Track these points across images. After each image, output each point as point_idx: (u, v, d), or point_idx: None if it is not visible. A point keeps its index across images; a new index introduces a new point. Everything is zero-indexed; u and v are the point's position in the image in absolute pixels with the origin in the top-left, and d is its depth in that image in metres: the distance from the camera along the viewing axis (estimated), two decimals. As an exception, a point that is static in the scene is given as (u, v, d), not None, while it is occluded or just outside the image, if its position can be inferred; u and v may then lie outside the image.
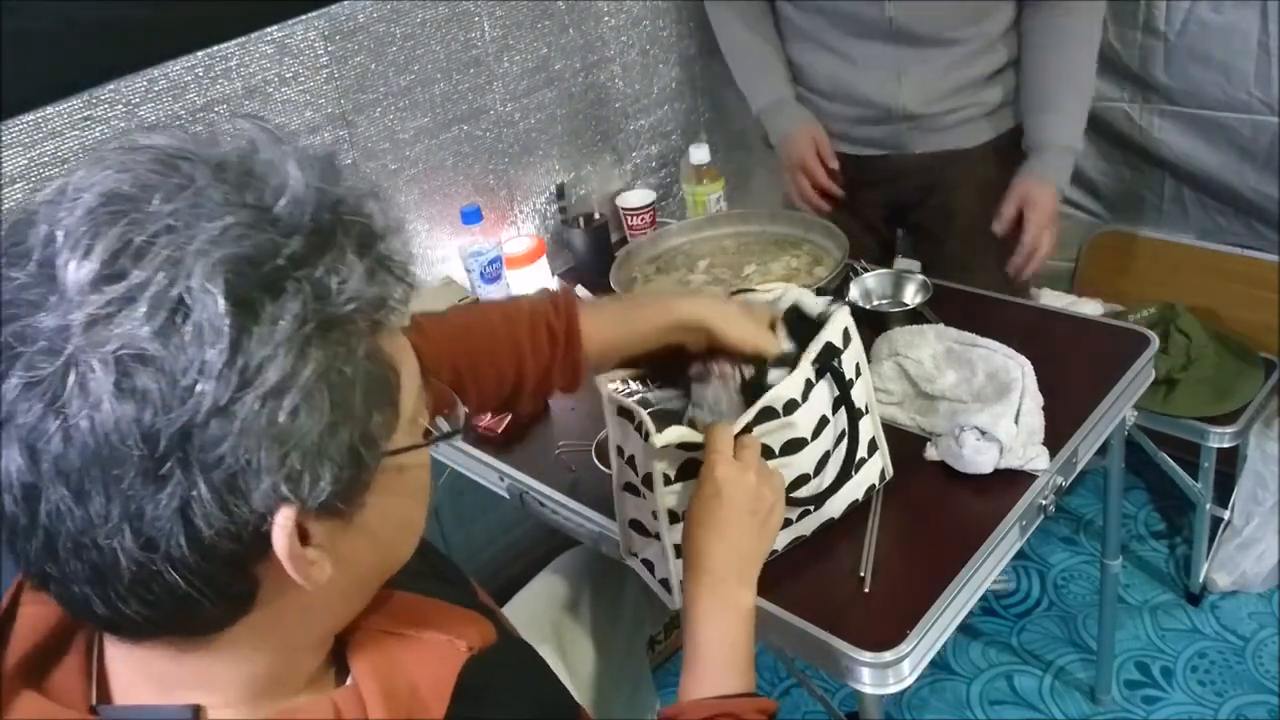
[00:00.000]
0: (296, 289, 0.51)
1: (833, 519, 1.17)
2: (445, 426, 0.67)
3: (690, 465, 1.02)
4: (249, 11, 1.48)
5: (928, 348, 1.38)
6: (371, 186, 0.58)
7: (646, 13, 2.02)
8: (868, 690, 1.06)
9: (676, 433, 0.99)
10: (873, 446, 1.19)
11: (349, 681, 0.65)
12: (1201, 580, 2.02)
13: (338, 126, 1.62)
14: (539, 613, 1.32)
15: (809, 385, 1.06)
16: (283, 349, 0.50)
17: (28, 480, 0.50)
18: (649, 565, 1.15)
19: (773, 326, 1.10)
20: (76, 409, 0.48)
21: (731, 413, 1.06)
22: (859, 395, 1.13)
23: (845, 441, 1.13)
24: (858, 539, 1.17)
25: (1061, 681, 1.94)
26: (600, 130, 2.03)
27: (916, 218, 1.96)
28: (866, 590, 1.11)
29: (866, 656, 1.03)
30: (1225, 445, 1.84)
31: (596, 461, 1.37)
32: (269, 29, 1.50)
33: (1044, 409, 1.27)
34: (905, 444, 1.28)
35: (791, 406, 1.04)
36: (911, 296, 1.58)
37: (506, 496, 1.45)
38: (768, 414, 1.03)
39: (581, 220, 1.94)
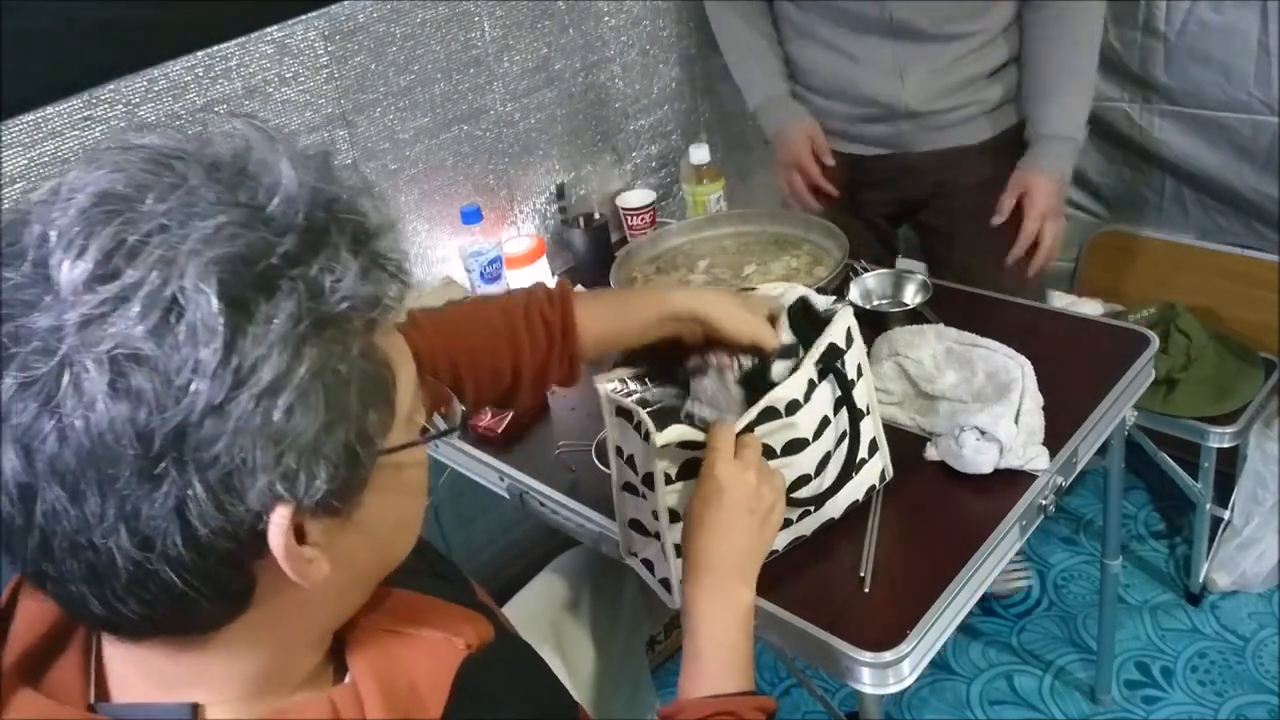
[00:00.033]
0: (290, 288, 0.51)
1: (833, 519, 1.17)
2: (442, 424, 0.67)
3: (691, 464, 1.02)
4: (249, 11, 1.49)
5: (928, 348, 1.38)
6: (365, 184, 0.58)
7: (646, 13, 2.02)
8: (868, 690, 1.06)
9: (677, 431, 0.99)
10: (873, 447, 1.19)
11: (347, 679, 0.65)
12: (1201, 580, 2.02)
13: (338, 126, 1.62)
14: (539, 613, 1.32)
15: (811, 385, 1.06)
16: (277, 348, 0.49)
17: (23, 480, 0.50)
18: (649, 565, 1.15)
19: (773, 320, 1.10)
20: (71, 409, 0.48)
21: (730, 405, 1.05)
22: (861, 396, 1.13)
23: (846, 442, 1.13)
24: (858, 539, 1.17)
25: (1061, 681, 1.93)
26: (600, 130, 2.03)
27: (925, 218, 1.95)
28: (866, 590, 1.11)
29: (866, 656, 1.03)
30: (1225, 445, 1.84)
31: (596, 461, 1.37)
32: (269, 29, 1.50)
33: (1044, 409, 1.27)
34: (905, 444, 1.28)
35: (794, 407, 1.04)
36: (911, 296, 1.58)
37: (506, 496, 1.45)
38: (770, 414, 1.03)
39: (581, 220, 1.94)
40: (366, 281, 0.54)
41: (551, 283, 1.14)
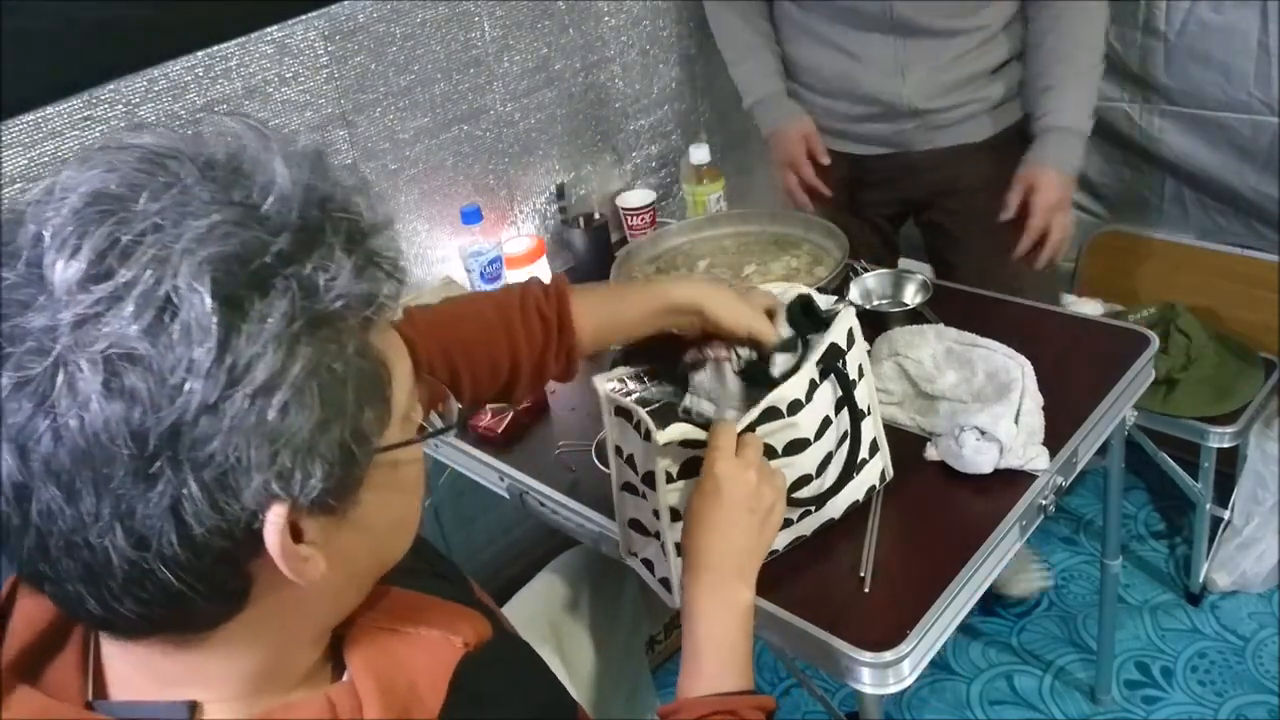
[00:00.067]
0: (285, 286, 0.51)
1: (833, 519, 1.17)
2: (439, 422, 0.67)
3: (693, 463, 1.01)
4: (249, 11, 1.49)
5: (928, 348, 1.38)
6: (360, 182, 0.58)
7: (646, 13, 2.02)
8: (868, 690, 1.05)
9: (679, 430, 0.99)
10: (874, 447, 1.19)
11: (345, 677, 0.65)
12: (1201, 580, 2.02)
13: (337, 126, 1.62)
14: (538, 612, 1.32)
15: (813, 386, 1.06)
16: (271, 346, 0.49)
17: (18, 480, 0.50)
18: (649, 564, 1.15)
19: (771, 315, 1.10)
20: (65, 408, 0.48)
21: (728, 398, 1.05)
22: (862, 396, 1.13)
23: (847, 442, 1.13)
24: (858, 539, 1.17)
25: (1061, 681, 1.93)
26: (600, 130, 2.03)
27: (929, 218, 1.94)
28: (866, 590, 1.11)
29: (866, 656, 1.03)
30: (1225, 445, 1.84)
31: (596, 461, 1.37)
32: (269, 29, 1.50)
33: (1044, 409, 1.27)
34: (905, 444, 1.28)
35: (796, 407, 1.04)
36: (911, 296, 1.58)
37: (506, 496, 1.45)
38: (772, 414, 1.03)
39: (581, 220, 1.94)
40: (361, 280, 0.54)
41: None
